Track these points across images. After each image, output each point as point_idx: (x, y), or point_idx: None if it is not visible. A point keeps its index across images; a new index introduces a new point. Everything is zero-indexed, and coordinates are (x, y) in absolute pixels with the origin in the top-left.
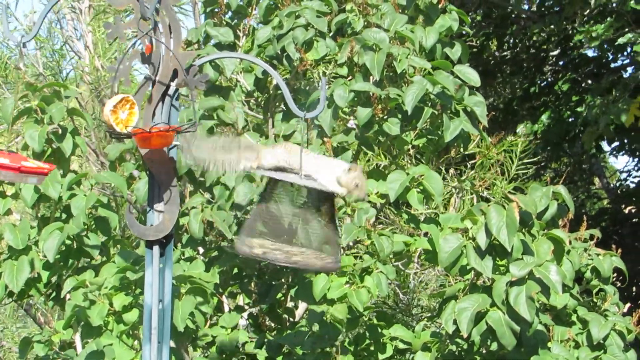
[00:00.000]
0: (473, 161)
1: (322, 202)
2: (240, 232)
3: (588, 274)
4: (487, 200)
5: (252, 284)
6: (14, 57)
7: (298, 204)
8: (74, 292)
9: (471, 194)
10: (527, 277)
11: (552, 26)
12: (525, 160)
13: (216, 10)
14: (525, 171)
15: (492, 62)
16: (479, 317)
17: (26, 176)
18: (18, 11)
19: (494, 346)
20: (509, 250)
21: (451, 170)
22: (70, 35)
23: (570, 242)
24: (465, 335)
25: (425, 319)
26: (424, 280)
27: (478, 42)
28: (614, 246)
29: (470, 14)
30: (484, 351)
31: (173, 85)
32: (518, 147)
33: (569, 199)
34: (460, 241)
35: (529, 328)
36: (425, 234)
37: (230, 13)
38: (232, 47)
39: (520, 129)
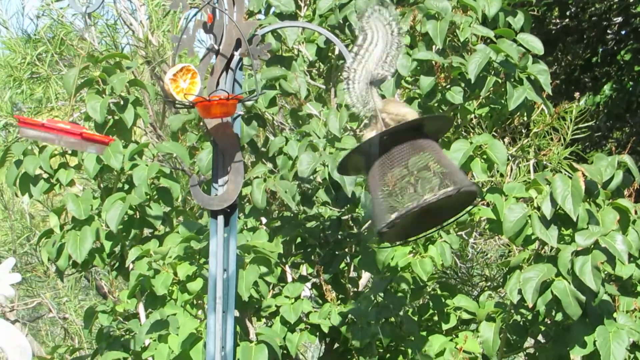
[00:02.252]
0: (528, 129)
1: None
2: (376, 225)
3: None
4: (544, 167)
5: (315, 254)
6: (69, 34)
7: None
8: (138, 262)
9: (527, 160)
10: (592, 246)
11: None
12: (580, 125)
13: None
14: (581, 136)
15: (554, 31)
16: (544, 287)
17: (87, 144)
18: None
19: (559, 316)
20: (575, 219)
21: (507, 139)
22: (123, 10)
23: (636, 212)
24: (530, 305)
25: (488, 289)
26: (482, 249)
27: (539, 11)
28: None
29: None
30: (549, 321)
31: (236, 55)
32: (573, 113)
33: (634, 168)
34: (525, 211)
35: (594, 298)
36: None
37: None
38: (294, 16)
39: (583, 101)
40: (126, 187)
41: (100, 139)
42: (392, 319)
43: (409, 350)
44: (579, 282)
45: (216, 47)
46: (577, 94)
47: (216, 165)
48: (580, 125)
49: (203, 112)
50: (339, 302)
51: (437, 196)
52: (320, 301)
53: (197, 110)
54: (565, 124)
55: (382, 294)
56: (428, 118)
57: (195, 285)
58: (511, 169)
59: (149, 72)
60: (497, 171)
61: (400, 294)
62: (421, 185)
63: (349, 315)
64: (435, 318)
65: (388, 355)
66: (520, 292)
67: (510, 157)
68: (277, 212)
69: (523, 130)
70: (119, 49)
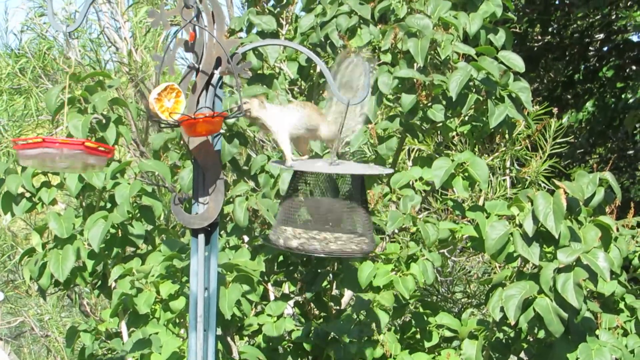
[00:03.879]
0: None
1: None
2: (275, 224)
3: (636, 261)
4: (525, 181)
5: (298, 272)
6: (52, 49)
7: (339, 190)
8: (120, 280)
9: (505, 174)
10: (574, 263)
11: (596, 10)
12: (559, 140)
13: None
14: (562, 151)
15: (536, 48)
16: (527, 304)
17: (89, 156)
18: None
19: (542, 333)
20: (557, 236)
21: (486, 155)
22: (107, 26)
23: (617, 229)
24: (512, 323)
25: (471, 307)
26: (465, 267)
27: (521, 28)
28: None
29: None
30: (531, 339)
31: (217, 73)
32: (552, 128)
33: (615, 185)
34: (507, 228)
35: (576, 315)
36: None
37: (272, 1)
38: (275, 35)
39: (565, 119)
40: (108, 205)
41: (102, 150)
42: (374, 337)
43: None
44: (561, 299)
45: (197, 65)
46: (555, 110)
47: (197, 183)
48: (559, 140)
49: (188, 131)
50: (321, 320)
51: (341, 251)
52: (302, 319)
53: (181, 129)
54: (545, 137)
55: (364, 312)
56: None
57: (178, 304)
58: (490, 182)
59: (132, 88)
60: (478, 187)
61: (381, 312)
62: (335, 217)
63: (332, 333)
64: (418, 336)
65: None
66: (502, 309)
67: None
68: (259, 230)
69: (502, 144)
70: (102, 64)
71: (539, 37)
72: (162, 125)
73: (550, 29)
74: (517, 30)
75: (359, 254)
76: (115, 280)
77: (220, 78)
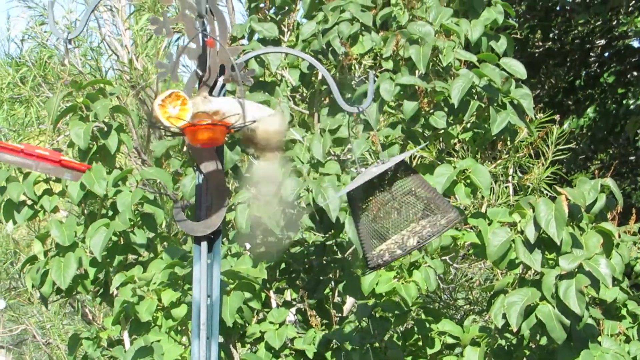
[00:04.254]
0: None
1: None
2: (364, 252)
3: (638, 268)
4: (527, 188)
5: (300, 280)
6: (53, 58)
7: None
8: (122, 288)
9: (507, 181)
10: (576, 270)
11: (597, 16)
12: (561, 147)
13: (260, 5)
14: (564, 157)
15: (537, 54)
16: (529, 311)
17: (64, 170)
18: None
19: (544, 340)
20: (558, 243)
21: (488, 162)
22: (108, 34)
23: (619, 236)
24: (514, 330)
25: (473, 314)
26: (467, 274)
27: (522, 34)
28: None
29: (514, 6)
30: (534, 345)
31: (220, 80)
32: (553, 134)
33: (617, 191)
34: (509, 235)
35: (579, 322)
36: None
37: (274, 8)
38: (277, 42)
39: (566, 125)
40: (110, 213)
41: (78, 166)
42: (377, 344)
43: None
44: (563, 306)
45: (201, 72)
46: (557, 117)
47: (200, 191)
48: (561, 147)
49: (192, 139)
50: (323, 327)
51: (430, 234)
52: (304, 327)
53: (186, 137)
54: (547, 144)
55: (366, 319)
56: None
57: (180, 312)
58: (492, 189)
59: (133, 96)
60: (480, 194)
61: (384, 319)
62: (405, 210)
63: (334, 341)
64: (420, 343)
65: None
66: (504, 316)
67: (491, 177)
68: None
69: (504, 151)
70: (103, 73)
71: (540, 43)
72: (167, 134)
73: (551, 35)
74: (518, 36)
75: (452, 223)
76: (117, 288)
77: (224, 85)
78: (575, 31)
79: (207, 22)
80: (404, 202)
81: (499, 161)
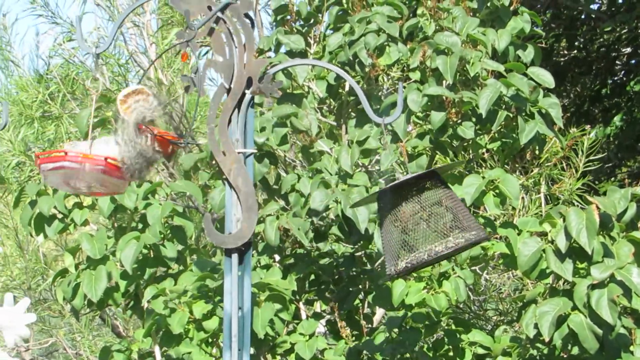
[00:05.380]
0: (539, 158)
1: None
2: (386, 260)
3: None
4: (557, 199)
5: (329, 291)
6: (81, 74)
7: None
8: (154, 301)
9: (538, 192)
10: (608, 280)
11: (622, 24)
12: (592, 158)
13: (287, 18)
14: (593, 168)
15: (562, 63)
16: (560, 320)
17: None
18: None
19: (576, 350)
20: (590, 253)
21: (517, 171)
22: (135, 50)
23: None
24: (547, 340)
25: (504, 324)
26: (496, 284)
27: (547, 43)
28: None
29: (539, 15)
30: (565, 355)
31: (248, 93)
32: (584, 144)
33: None
34: (540, 244)
35: (611, 332)
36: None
37: (300, 21)
38: (303, 54)
39: (593, 133)
40: (140, 226)
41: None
42: (408, 355)
43: None
44: (595, 315)
45: (227, 85)
46: (588, 127)
47: (230, 203)
48: (592, 158)
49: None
50: (353, 338)
51: (448, 249)
52: (334, 338)
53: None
54: (577, 154)
55: (396, 330)
56: (442, 168)
57: (212, 324)
58: (523, 200)
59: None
60: (510, 205)
61: (414, 330)
62: (434, 221)
63: (364, 352)
64: (451, 354)
65: None
66: (536, 326)
67: (521, 188)
68: (290, 249)
69: (534, 161)
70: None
71: (565, 52)
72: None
73: (576, 44)
74: (543, 45)
75: (474, 240)
76: (149, 301)
77: (252, 98)
78: (601, 39)
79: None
80: (433, 212)
81: (531, 173)
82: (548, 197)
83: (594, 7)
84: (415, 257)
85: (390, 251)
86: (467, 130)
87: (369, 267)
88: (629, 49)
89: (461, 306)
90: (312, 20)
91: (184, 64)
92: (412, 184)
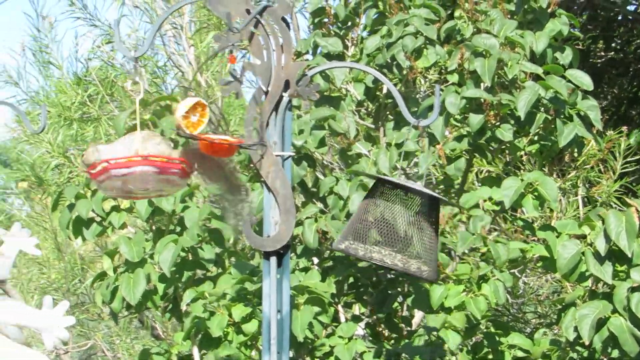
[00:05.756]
0: (576, 161)
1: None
2: (346, 232)
3: None
4: (595, 202)
5: (368, 294)
6: (119, 76)
7: (414, 211)
8: (193, 304)
9: (576, 195)
10: None
11: None
12: (629, 159)
13: (324, 20)
14: (630, 169)
15: (599, 64)
16: (600, 323)
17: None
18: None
19: (616, 353)
20: (629, 255)
21: (554, 174)
22: (173, 52)
23: None
24: (587, 343)
25: (543, 327)
26: (534, 287)
27: (584, 45)
28: None
29: (575, 16)
30: (605, 358)
31: (286, 96)
32: (621, 146)
33: None
34: (579, 247)
35: None
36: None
37: (338, 23)
38: (341, 57)
39: (633, 138)
40: (178, 229)
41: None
42: (447, 358)
43: None
44: (635, 318)
45: (265, 88)
46: (625, 128)
47: (268, 206)
48: (629, 159)
49: (206, 149)
50: (392, 341)
51: (385, 263)
52: (373, 341)
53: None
54: (614, 156)
55: (435, 333)
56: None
57: (251, 327)
58: (560, 203)
59: None
60: (548, 208)
61: (454, 333)
62: (402, 233)
63: (403, 355)
64: (490, 356)
65: None
66: (576, 329)
67: (559, 191)
68: (328, 252)
69: (572, 164)
70: (169, 90)
71: (602, 54)
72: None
73: (613, 45)
74: (580, 46)
75: (420, 275)
76: (188, 304)
77: (290, 101)
78: (638, 40)
79: (271, 37)
80: (408, 228)
81: (569, 176)
82: (586, 199)
83: (631, 8)
84: (355, 247)
85: (349, 226)
86: (505, 132)
87: None
88: None
89: (500, 309)
90: (349, 23)
91: (222, 66)
92: (415, 193)
